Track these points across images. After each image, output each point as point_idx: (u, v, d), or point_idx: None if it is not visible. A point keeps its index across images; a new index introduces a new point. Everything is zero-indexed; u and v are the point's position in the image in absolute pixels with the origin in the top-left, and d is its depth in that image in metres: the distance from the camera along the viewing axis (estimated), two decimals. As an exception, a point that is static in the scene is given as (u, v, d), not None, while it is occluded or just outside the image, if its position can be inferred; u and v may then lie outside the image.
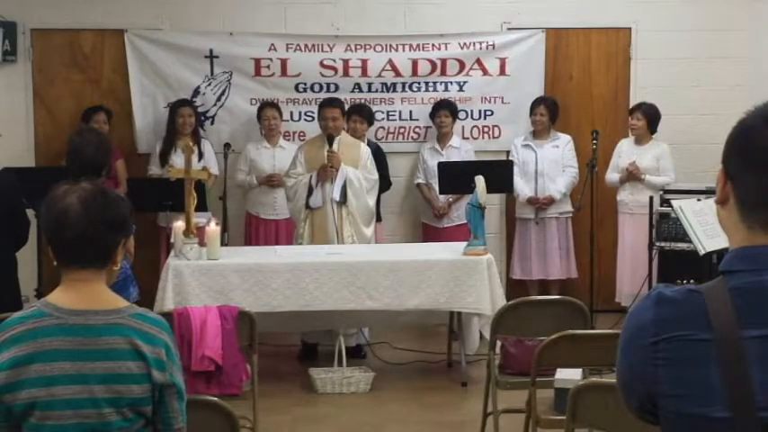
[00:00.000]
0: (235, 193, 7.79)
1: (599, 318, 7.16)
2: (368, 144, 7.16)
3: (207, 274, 5.88)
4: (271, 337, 6.65)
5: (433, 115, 7.87)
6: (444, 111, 7.78)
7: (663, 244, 7.19)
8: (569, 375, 4.98)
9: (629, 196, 7.62)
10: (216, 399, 3.16)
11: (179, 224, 5.98)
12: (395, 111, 8.14)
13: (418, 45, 8.03)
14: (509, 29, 8.12)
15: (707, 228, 5.77)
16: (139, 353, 2.29)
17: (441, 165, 7.25)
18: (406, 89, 8.10)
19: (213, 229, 6.01)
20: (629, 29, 8.16)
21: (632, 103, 7.95)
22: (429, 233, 7.83)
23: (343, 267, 6.00)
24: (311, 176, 6.59)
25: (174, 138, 7.49)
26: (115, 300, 2.38)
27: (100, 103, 7.76)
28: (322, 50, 8.00)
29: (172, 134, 7.54)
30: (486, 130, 8.21)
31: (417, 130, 8.16)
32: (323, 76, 8.03)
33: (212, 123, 8.04)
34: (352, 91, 8.03)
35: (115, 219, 2.37)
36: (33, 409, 2.24)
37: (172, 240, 6.11)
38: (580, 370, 4.93)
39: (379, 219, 7.36)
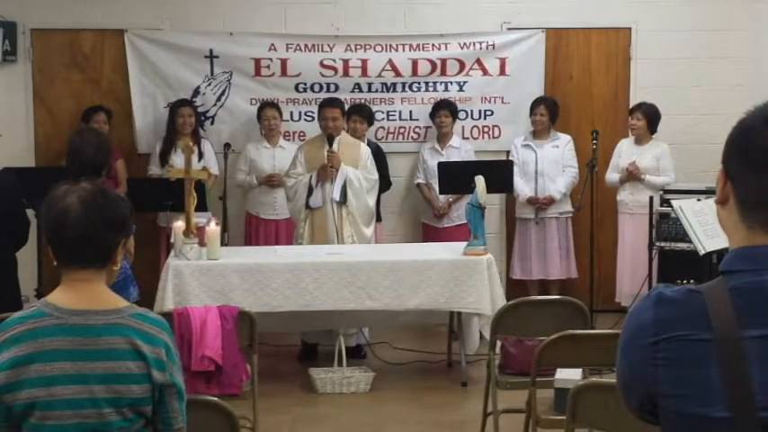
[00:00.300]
0: (235, 193, 7.79)
1: (599, 318, 7.16)
2: (368, 144, 7.16)
3: (207, 274, 5.88)
4: (271, 337, 6.65)
5: (433, 115, 7.87)
6: (444, 111, 7.78)
7: (663, 244, 7.19)
8: (569, 375, 4.98)
9: (629, 196, 7.62)
10: (216, 399, 3.16)
11: (179, 224, 5.98)
12: (395, 111, 8.14)
13: (418, 45, 8.03)
14: (509, 29, 8.12)
15: (707, 228, 5.77)
16: (139, 353, 2.29)
17: (441, 165, 7.25)
18: (406, 89, 8.10)
19: (213, 229, 6.01)
20: (629, 29, 8.16)
21: (632, 103, 7.95)
22: (429, 233, 7.83)
23: (343, 267, 6.00)
24: (311, 176, 6.59)
25: (174, 138, 7.49)
26: (115, 300, 2.38)
27: (100, 103, 7.77)
28: (322, 50, 8.00)
29: (172, 134, 7.54)
30: (486, 130, 8.21)
31: (417, 130, 8.16)
32: (323, 76, 8.03)
33: (212, 123, 8.04)
34: (352, 91, 8.03)
35: (115, 219, 2.37)
36: (33, 409, 2.24)
37: (172, 240, 6.11)
38: (580, 370, 4.93)
39: (379, 219, 7.36)
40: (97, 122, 7.45)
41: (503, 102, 8.15)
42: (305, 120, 8.04)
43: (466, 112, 8.11)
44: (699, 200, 6.18)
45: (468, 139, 8.09)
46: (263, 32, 7.98)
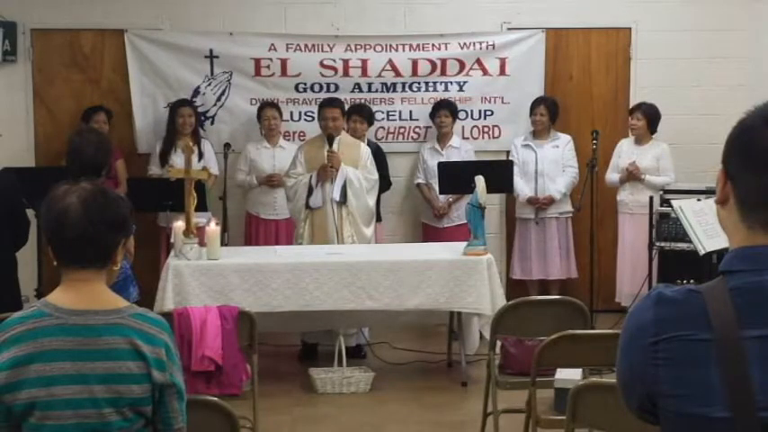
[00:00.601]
0: (235, 193, 7.79)
1: (599, 318, 7.16)
2: (368, 144, 7.16)
3: (207, 274, 5.88)
4: (271, 337, 6.65)
5: (433, 115, 7.87)
6: (444, 111, 7.78)
7: (663, 244, 7.19)
8: (569, 375, 4.98)
9: (629, 196, 7.62)
10: (216, 399, 3.16)
11: (179, 224, 5.98)
12: (395, 111, 8.14)
13: (418, 45, 8.03)
14: (509, 29, 8.12)
15: (707, 228, 5.77)
16: (139, 353, 2.29)
17: (441, 165, 7.25)
18: (406, 89, 8.10)
19: (213, 229, 6.01)
20: (629, 29, 8.16)
21: (632, 103, 7.95)
22: (429, 233, 7.83)
23: (343, 267, 6.00)
24: (311, 176, 6.60)
25: (174, 138, 7.50)
26: (115, 300, 2.38)
27: (100, 103, 7.77)
28: (322, 50, 8.00)
29: (172, 134, 7.54)
30: (486, 130, 8.21)
31: (417, 130, 8.16)
32: (323, 76, 8.03)
33: (212, 123, 8.04)
34: (352, 91, 8.03)
35: (115, 219, 2.37)
36: (33, 409, 2.24)
37: (172, 240, 6.11)
38: (580, 370, 4.93)
39: (379, 219, 7.36)
40: (97, 122, 7.45)
41: (503, 102, 8.15)
42: (305, 120, 8.04)
43: (466, 112, 8.11)
44: (699, 200, 6.18)
45: (468, 139, 8.09)
46: (263, 32, 7.98)
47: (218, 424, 2.98)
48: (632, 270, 7.54)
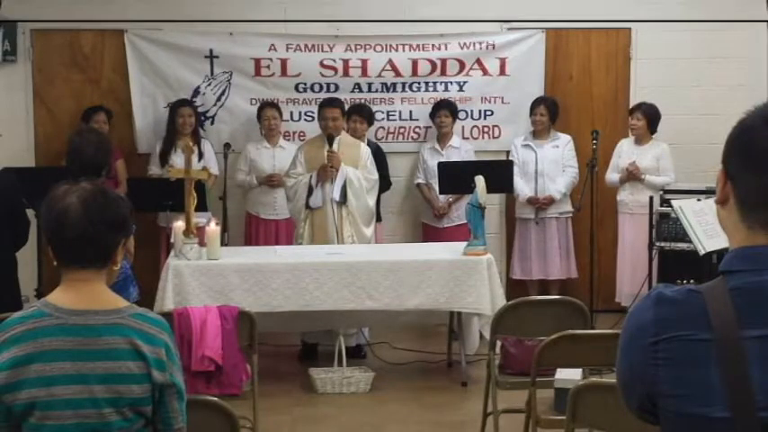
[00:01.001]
0: (235, 193, 7.79)
1: (599, 318, 7.16)
2: (368, 144, 7.16)
3: (207, 274, 5.88)
4: (271, 337, 6.65)
5: (433, 115, 7.87)
6: (444, 111, 7.78)
7: (663, 244, 7.19)
8: (569, 375, 4.99)
9: (629, 196, 7.62)
10: (216, 399, 3.16)
11: (179, 224, 5.98)
12: (395, 111, 8.14)
13: (418, 45, 8.03)
14: (509, 29, 8.12)
15: (707, 228, 5.77)
16: (139, 353, 2.29)
17: (441, 165, 7.25)
18: (406, 89, 8.10)
19: (213, 229, 6.01)
20: (629, 29, 8.16)
21: (632, 103, 7.95)
22: (429, 233, 7.83)
23: (343, 267, 6.00)
24: (311, 176, 6.60)
25: (174, 138, 7.50)
26: (115, 300, 2.38)
27: (100, 103, 7.77)
28: (322, 50, 8.00)
29: (172, 134, 7.54)
30: (486, 130, 8.21)
31: (417, 130, 8.16)
32: (323, 76, 8.03)
33: (212, 123, 8.04)
34: (352, 91, 8.03)
35: (115, 219, 2.37)
36: (33, 409, 2.24)
37: (172, 240, 6.11)
38: (580, 370, 4.93)
39: (379, 219, 7.36)
40: (97, 122, 7.45)
41: (503, 102, 8.15)
42: (305, 120, 8.04)
43: (466, 112, 8.11)
44: (699, 200, 6.18)
45: (468, 139, 8.09)
46: (263, 32, 7.98)
47: (218, 424, 2.98)
48: (632, 270, 7.54)
